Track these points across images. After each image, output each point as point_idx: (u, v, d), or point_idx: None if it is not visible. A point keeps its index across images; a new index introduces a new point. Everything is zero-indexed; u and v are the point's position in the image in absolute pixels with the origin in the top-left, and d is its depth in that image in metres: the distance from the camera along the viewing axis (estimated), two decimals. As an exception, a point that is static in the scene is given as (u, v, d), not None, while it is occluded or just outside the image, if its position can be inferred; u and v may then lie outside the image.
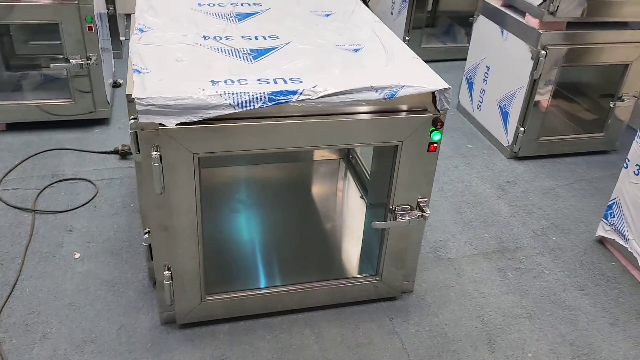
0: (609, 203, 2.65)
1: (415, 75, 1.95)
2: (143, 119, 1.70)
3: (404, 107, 1.90)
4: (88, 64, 3.11)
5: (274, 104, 1.76)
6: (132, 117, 1.87)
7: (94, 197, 2.78)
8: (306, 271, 2.37)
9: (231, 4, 2.55)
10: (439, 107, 1.92)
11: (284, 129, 1.81)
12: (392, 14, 4.87)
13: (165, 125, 1.71)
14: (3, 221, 2.58)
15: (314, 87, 1.80)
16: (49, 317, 2.13)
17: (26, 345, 2.02)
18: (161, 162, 1.76)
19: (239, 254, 2.41)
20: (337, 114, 1.85)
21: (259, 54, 2.06)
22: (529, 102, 3.22)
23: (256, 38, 2.21)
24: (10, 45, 3.74)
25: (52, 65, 3.09)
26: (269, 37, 2.22)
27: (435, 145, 2.00)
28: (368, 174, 2.85)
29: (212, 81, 1.81)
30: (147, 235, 2.12)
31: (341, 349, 2.09)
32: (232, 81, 1.82)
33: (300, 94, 1.78)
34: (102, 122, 3.42)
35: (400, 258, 2.21)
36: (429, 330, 2.20)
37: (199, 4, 2.51)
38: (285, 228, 2.62)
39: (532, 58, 3.11)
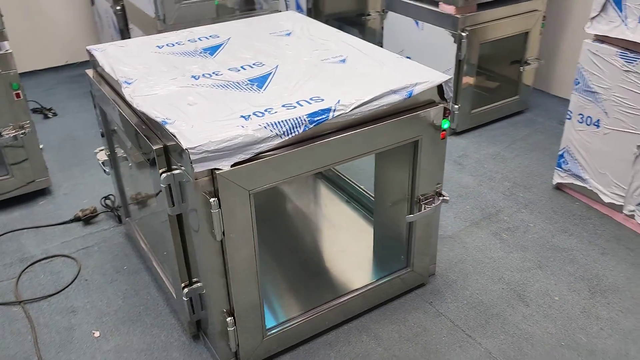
0: (560, 152, 3.00)
1: (415, 73, 2.08)
2: (198, 168, 1.64)
3: (418, 103, 2.03)
4: (24, 133, 2.85)
5: (315, 125, 1.79)
6: (162, 170, 1.81)
7: (79, 271, 2.57)
8: (334, 284, 2.41)
9: (189, 40, 2.50)
10: (446, 97, 2.07)
11: (326, 147, 1.85)
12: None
13: (221, 169, 1.67)
14: (-9, 323, 2.31)
15: (338, 102, 1.86)
16: (101, 405, 1.97)
17: None
18: (220, 207, 1.71)
19: (283, 278, 2.38)
20: (363, 122, 1.93)
21: (260, 82, 2.06)
22: (458, 81, 3.51)
23: (243, 68, 2.20)
24: None
25: (-17, 143, 2.79)
26: (254, 65, 2.23)
27: (444, 132, 2.15)
28: (346, 178, 2.95)
29: (243, 116, 1.80)
30: (186, 290, 2.04)
31: (403, 344, 2.17)
32: (262, 113, 1.82)
33: (334, 110, 1.83)
34: (43, 192, 3.14)
35: (427, 244, 2.34)
36: (467, 303, 2.36)
37: (159, 47, 2.43)
38: (290, 250, 2.62)
39: (455, 42, 3.40)
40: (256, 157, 1.73)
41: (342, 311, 2.26)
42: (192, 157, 1.63)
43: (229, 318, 1.93)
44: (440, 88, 2.05)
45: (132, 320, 2.31)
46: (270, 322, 2.13)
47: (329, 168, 1.90)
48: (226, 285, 1.89)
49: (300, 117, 1.78)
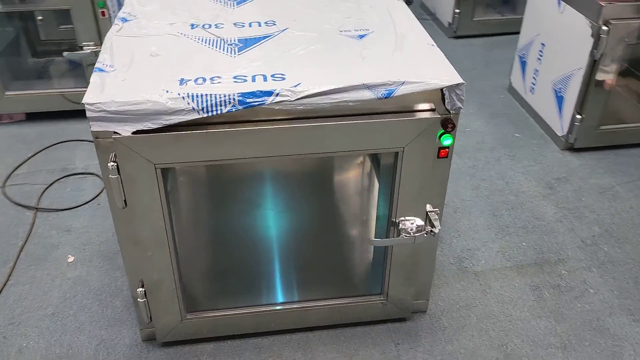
0: (675, 211, 2.23)
1: (423, 67, 1.63)
2: (95, 127, 1.49)
3: (407, 107, 1.60)
4: (101, 50, 2.96)
5: (245, 107, 1.51)
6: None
7: (99, 194, 2.65)
8: (308, 286, 2.12)
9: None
10: (448, 107, 1.60)
11: (258, 136, 1.56)
12: (440, -16, 4.45)
13: (119, 134, 1.50)
14: (3, 219, 2.50)
15: (295, 86, 1.53)
16: (28, 328, 2.02)
17: (0, 361, 1.92)
18: (119, 174, 1.55)
19: (235, 265, 2.19)
20: (324, 116, 1.58)
21: (246, 44, 1.80)
22: (588, 85, 2.77)
23: (250, 25, 1.94)
24: (35, 30, 3.64)
25: (65, 53, 2.97)
26: (265, 23, 1.95)
27: (446, 150, 1.68)
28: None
29: (181, 80, 1.57)
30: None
31: (336, 380, 1.86)
32: (204, 79, 1.58)
33: (277, 94, 1.51)
34: (121, 110, 3.28)
35: (410, 275, 1.92)
36: (442, 360, 1.92)
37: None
38: (291, 234, 2.38)
39: (592, 35, 2.66)
40: (168, 128, 1.52)
41: (295, 318, 2.00)
42: (89, 114, 1.48)
43: (140, 289, 1.80)
44: (442, 94, 1.58)
45: (107, 256, 2.32)
46: (205, 305, 1.97)
47: (253, 161, 1.61)
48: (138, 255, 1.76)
49: (229, 95, 1.50)
